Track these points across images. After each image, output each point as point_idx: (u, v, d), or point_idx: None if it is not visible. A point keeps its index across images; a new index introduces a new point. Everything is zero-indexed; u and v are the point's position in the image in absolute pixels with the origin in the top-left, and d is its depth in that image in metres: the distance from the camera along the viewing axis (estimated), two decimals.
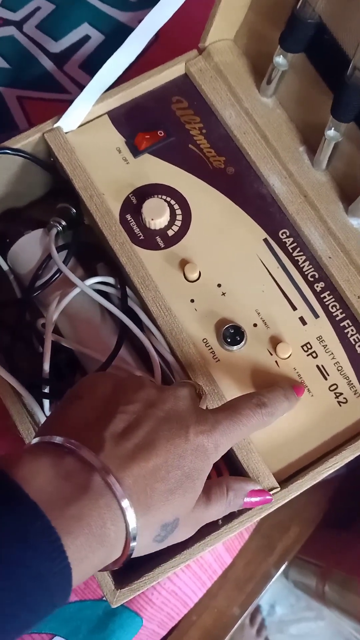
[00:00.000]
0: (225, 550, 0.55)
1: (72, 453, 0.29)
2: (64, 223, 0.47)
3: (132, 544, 0.29)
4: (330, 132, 0.42)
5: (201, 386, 0.38)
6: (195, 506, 0.32)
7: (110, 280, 0.45)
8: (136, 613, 0.49)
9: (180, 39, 0.59)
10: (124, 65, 0.45)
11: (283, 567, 0.59)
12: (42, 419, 0.42)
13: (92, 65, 0.64)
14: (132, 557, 0.29)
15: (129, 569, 0.39)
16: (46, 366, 0.42)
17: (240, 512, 0.39)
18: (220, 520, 0.40)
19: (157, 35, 0.65)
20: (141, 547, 0.30)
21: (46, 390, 0.42)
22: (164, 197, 0.45)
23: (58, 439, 0.29)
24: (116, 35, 0.65)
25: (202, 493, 0.33)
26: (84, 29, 0.65)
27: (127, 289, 0.44)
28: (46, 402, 0.42)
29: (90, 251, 0.48)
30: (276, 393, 0.37)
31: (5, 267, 0.48)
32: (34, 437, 0.31)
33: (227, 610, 0.58)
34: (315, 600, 0.84)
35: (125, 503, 0.28)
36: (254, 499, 0.37)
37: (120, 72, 0.45)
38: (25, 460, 0.28)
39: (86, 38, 0.65)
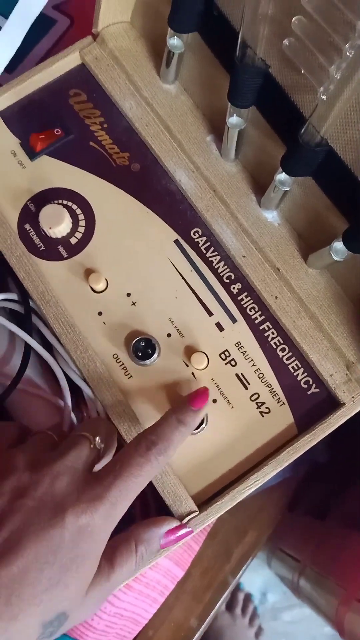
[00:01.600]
0: (175, 564, 0.52)
1: None
2: None
3: None
4: (232, 119, 0.38)
5: (98, 437, 0.33)
6: (96, 581, 0.30)
7: (14, 296, 0.42)
8: None
9: None
10: (6, 56, 0.41)
11: (240, 573, 0.56)
12: None
13: None
14: None
15: None
16: None
17: None
18: None
19: (71, 19, 0.62)
20: None
21: None
22: (64, 202, 0.42)
23: None
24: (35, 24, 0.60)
25: (103, 561, 0.30)
26: None
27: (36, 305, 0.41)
28: None
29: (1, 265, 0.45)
30: (165, 423, 0.33)
31: None
32: None
33: (184, 622, 0.56)
34: (292, 592, 0.82)
35: None
36: (171, 537, 0.34)
37: (4, 64, 0.41)
38: None
39: None
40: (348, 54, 0.28)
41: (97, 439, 0.33)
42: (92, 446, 0.33)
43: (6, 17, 0.59)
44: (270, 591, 1.16)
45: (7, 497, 0.29)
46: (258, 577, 1.13)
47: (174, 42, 0.40)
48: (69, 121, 0.43)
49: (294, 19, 0.30)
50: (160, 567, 0.51)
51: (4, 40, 0.40)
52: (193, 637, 0.55)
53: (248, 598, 1.08)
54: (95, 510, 0.29)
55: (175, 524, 0.35)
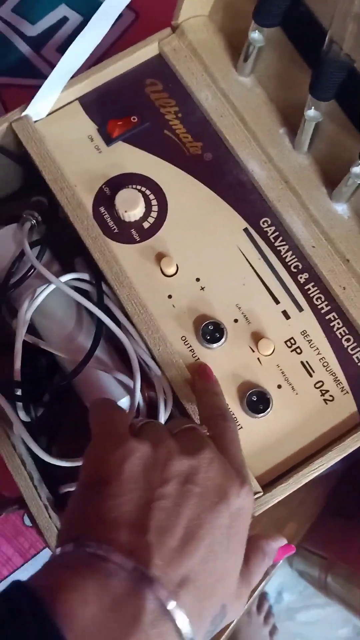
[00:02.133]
0: None
1: (117, 570, 0.25)
2: (38, 216, 0.45)
3: None
4: (310, 112, 0.39)
5: (202, 425, 0.34)
6: (241, 581, 0.29)
7: (85, 276, 0.43)
8: None
9: (161, 16, 0.56)
10: (89, 48, 0.42)
11: (279, 564, 0.57)
12: (16, 423, 0.40)
13: None
14: None
15: None
16: (17, 367, 0.40)
17: None
18: None
19: (136, 13, 0.63)
20: None
21: (18, 392, 0.41)
22: (138, 187, 0.43)
23: (97, 548, 0.25)
24: None
25: (243, 565, 0.30)
26: (62, 10, 0.62)
27: (104, 286, 0.42)
28: (19, 405, 0.41)
29: (68, 246, 0.46)
30: (210, 397, 0.37)
31: None
32: (66, 541, 0.26)
33: None
34: (317, 590, 0.83)
35: (183, 622, 0.24)
36: (279, 553, 0.34)
37: (86, 55, 0.43)
38: (66, 589, 0.23)
39: (64, 20, 0.62)
40: None
41: (203, 426, 0.34)
42: (206, 433, 0.33)
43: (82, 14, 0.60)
44: (287, 591, 1.16)
45: (176, 484, 0.28)
46: (275, 576, 1.14)
47: (256, 35, 0.41)
48: (145, 109, 0.45)
49: None
50: None
51: (91, 32, 0.41)
52: (231, 624, 0.56)
53: (264, 596, 1.09)
54: (247, 492, 0.29)
55: (284, 542, 0.34)
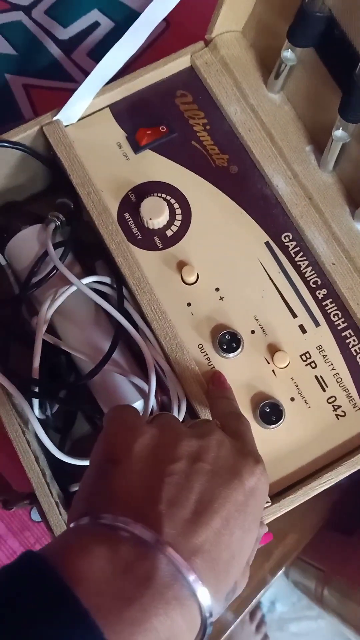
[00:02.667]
0: None
1: (129, 538, 0.25)
2: (62, 218, 0.46)
3: (208, 630, 0.25)
4: (338, 133, 0.40)
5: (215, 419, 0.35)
6: None
7: (107, 280, 0.44)
8: None
9: (192, 27, 0.57)
10: (125, 57, 0.43)
11: (279, 573, 0.58)
12: (32, 420, 0.41)
13: (101, 53, 0.61)
14: None
15: None
16: (36, 365, 0.41)
17: None
18: None
19: (167, 23, 0.64)
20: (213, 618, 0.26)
21: (36, 390, 0.41)
22: (163, 195, 0.44)
23: (110, 519, 0.25)
24: (127, 22, 0.62)
25: None
26: (94, 15, 0.63)
27: (124, 290, 0.43)
28: (35, 402, 0.41)
29: (90, 248, 0.47)
30: (223, 402, 0.38)
31: (3, 262, 0.47)
32: (80, 515, 0.27)
33: (221, 615, 0.57)
34: (313, 602, 0.83)
35: (202, 591, 0.24)
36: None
37: (121, 64, 0.44)
38: (77, 553, 0.24)
39: (95, 25, 0.63)
40: None
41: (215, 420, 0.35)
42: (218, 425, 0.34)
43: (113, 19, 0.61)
44: (280, 601, 1.16)
45: (186, 461, 0.29)
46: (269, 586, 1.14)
47: (288, 54, 0.42)
48: (174, 120, 0.46)
49: None
50: None
51: (128, 42, 0.42)
52: (227, 630, 0.56)
53: (257, 605, 1.09)
54: (262, 472, 0.30)
55: (265, 530, 0.35)
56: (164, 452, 0.29)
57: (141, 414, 0.39)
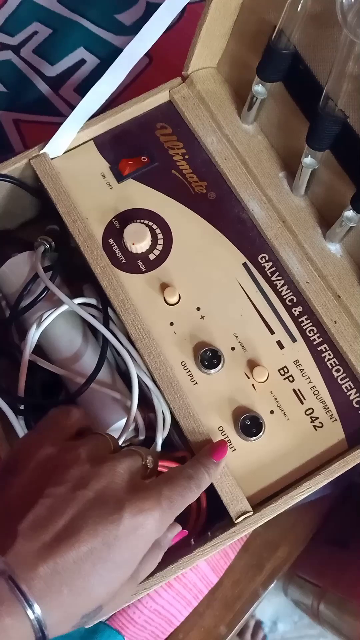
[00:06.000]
0: (211, 570, 0.55)
1: None
2: (51, 242, 0.48)
3: None
4: (307, 160, 0.43)
5: (149, 456, 0.35)
6: (127, 580, 0.31)
7: (93, 301, 0.46)
8: (117, 631, 0.49)
9: (174, 61, 0.59)
10: (107, 92, 0.46)
11: (271, 586, 0.59)
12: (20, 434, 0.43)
13: (87, 88, 0.64)
14: None
15: None
16: (21, 385, 0.43)
17: (212, 536, 0.39)
18: (192, 541, 0.41)
19: (150, 58, 0.67)
20: (57, 634, 0.28)
21: (21, 407, 0.43)
22: (146, 221, 0.46)
23: None
24: (111, 59, 0.65)
25: None
26: (80, 53, 0.66)
27: (111, 312, 0.45)
28: (21, 419, 0.43)
29: (78, 272, 0.49)
30: (199, 465, 0.36)
31: None
32: None
33: (214, 629, 0.58)
34: (310, 618, 0.83)
35: (34, 610, 0.26)
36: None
37: (104, 100, 0.47)
38: None
39: (82, 62, 0.66)
40: None
41: (149, 458, 0.35)
42: (143, 462, 0.34)
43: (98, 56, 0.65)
44: (281, 620, 1.16)
45: (70, 486, 0.29)
46: (270, 606, 1.14)
47: (259, 88, 0.44)
48: (155, 150, 0.48)
49: None
50: (199, 570, 0.53)
51: (110, 78, 0.45)
52: None
53: (259, 625, 1.09)
54: (151, 512, 0.30)
55: (179, 529, 0.36)
56: (55, 472, 0.30)
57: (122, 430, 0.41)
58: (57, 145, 0.47)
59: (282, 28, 0.40)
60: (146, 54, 0.67)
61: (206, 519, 0.43)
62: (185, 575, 0.52)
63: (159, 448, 0.42)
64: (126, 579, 0.30)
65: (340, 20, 0.33)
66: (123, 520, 0.29)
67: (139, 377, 0.43)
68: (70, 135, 0.47)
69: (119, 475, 0.31)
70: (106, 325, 0.44)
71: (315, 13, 0.38)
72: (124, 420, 0.43)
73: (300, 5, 0.38)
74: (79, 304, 0.45)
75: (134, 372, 0.42)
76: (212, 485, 0.40)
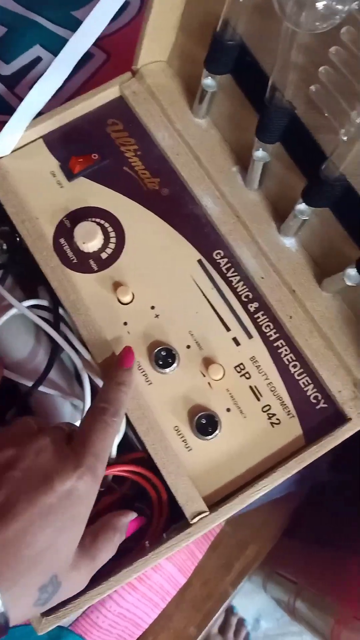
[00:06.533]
0: (178, 570, 0.54)
1: None
2: (2, 244, 0.47)
3: (1, 621, 0.28)
4: (259, 153, 0.42)
5: (72, 425, 0.37)
6: (82, 556, 0.33)
7: (44, 302, 0.45)
8: (80, 636, 0.48)
9: (132, 56, 0.59)
10: (52, 89, 0.45)
11: (239, 585, 0.58)
12: None
13: None
14: (12, 626, 0.29)
15: None
16: None
17: (168, 538, 0.38)
18: (148, 543, 0.40)
19: (108, 54, 0.66)
20: (21, 616, 0.30)
21: None
22: (97, 220, 0.45)
23: None
24: None
25: (88, 542, 0.33)
26: (36, 50, 0.65)
27: (67, 313, 0.44)
28: None
29: (33, 273, 0.48)
30: (109, 389, 0.38)
31: None
32: None
33: (183, 630, 0.57)
34: (288, 615, 0.83)
35: None
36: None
37: (49, 96, 0.45)
38: None
39: (38, 60, 0.65)
40: None
41: (72, 426, 0.37)
42: (65, 429, 0.36)
43: (55, 54, 0.64)
44: (264, 618, 1.16)
45: None
46: (252, 603, 1.14)
47: (208, 82, 0.44)
48: (106, 147, 0.47)
49: (320, 68, 0.34)
50: (164, 571, 0.53)
51: (53, 75, 0.44)
52: None
53: (241, 623, 1.09)
54: (79, 476, 0.32)
55: (134, 515, 0.38)
56: None
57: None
58: (3, 144, 0.46)
59: (226, 18, 0.39)
60: (104, 50, 0.67)
61: (169, 515, 0.42)
62: (149, 577, 0.51)
63: (114, 451, 0.41)
64: (74, 545, 0.32)
65: (277, 10, 0.32)
66: (55, 488, 0.31)
67: (91, 380, 0.42)
68: (17, 134, 0.46)
69: (44, 449, 0.33)
70: (56, 328, 0.43)
71: (259, 2, 0.37)
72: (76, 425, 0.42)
73: None
74: (30, 306, 0.44)
75: (84, 372, 0.41)
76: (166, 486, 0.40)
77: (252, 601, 1.14)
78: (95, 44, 0.66)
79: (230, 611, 1.05)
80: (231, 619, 1.04)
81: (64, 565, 0.31)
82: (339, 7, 0.31)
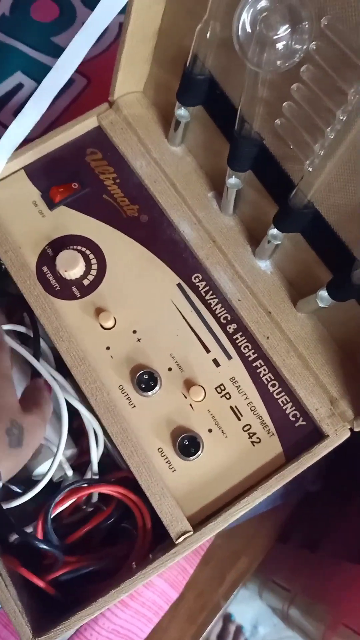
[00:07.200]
0: (169, 586, 0.55)
1: None
2: None
3: None
4: (232, 180, 0.43)
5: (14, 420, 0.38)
6: (27, 404, 0.38)
7: (21, 328, 0.46)
8: None
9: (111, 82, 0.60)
10: (32, 121, 0.46)
11: (232, 596, 0.59)
12: None
13: None
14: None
15: (48, 618, 0.40)
16: None
17: (154, 559, 0.40)
18: (134, 564, 0.41)
19: (88, 79, 0.68)
20: (4, 460, 0.33)
21: None
22: (79, 247, 0.47)
23: None
24: None
25: (27, 393, 0.40)
26: (17, 77, 0.67)
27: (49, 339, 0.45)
28: None
29: (19, 300, 0.49)
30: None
31: None
32: None
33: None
34: (282, 621, 0.84)
35: None
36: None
37: (30, 127, 0.47)
38: None
39: (19, 86, 0.66)
40: (330, 136, 0.33)
41: None
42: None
43: (36, 80, 0.65)
44: (262, 624, 1.17)
45: None
46: (249, 609, 1.15)
47: (181, 112, 0.45)
48: (86, 176, 0.49)
49: (284, 104, 0.36)
50: (156, 588, 0.54)
51: (33, 107, 0.45)
52: None
53: (239, 630, 1.10)
54: None
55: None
56: None
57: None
58: None
59: (195, 53, 0.41)
60: (84, 76, 0.68)
61: (152, 539, 0.43)
62: (141, 594, 0.52)
63: (95, 469, 0.42)
64: (12, 394, 0.37)
65: (237, 50, 0.34)
66: None
67: (70, 406, 0.43)
68: None
69: None
70: (37, 353, 0.44)
71: (225, 39, 0.39)
72: (46, 464, 0.43)
73: (209, 31, 0.39)
74: (10, 330, 0.45)
75: (61, 396, 0.42)
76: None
77: (249, 608, 1.14)
78: (76, 69, 0.68)
79: (228, 619, 1.05)
80: (229, 626, 1.05)
81: (15, 411, 0.36)
82: (298, 46, 0.33)
